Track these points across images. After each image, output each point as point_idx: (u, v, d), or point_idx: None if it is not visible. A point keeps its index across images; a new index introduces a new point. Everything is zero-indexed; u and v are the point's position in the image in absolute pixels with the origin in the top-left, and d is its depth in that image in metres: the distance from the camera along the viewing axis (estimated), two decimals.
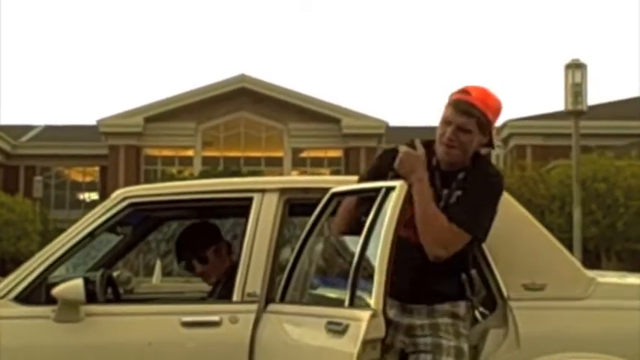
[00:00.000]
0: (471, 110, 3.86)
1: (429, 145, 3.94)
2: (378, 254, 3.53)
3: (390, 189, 3.73)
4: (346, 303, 3.62)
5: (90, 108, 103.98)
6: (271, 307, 4.17)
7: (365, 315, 3.44)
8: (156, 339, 4.18)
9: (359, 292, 3.58)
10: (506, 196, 4.49)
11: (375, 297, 3.47)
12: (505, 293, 4.24)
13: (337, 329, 3.56)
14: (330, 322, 3.62)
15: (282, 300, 4.14)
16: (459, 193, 3.88)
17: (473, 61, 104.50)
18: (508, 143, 43.29)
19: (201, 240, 5.01)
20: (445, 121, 3.89)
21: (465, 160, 3.93)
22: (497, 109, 3.96)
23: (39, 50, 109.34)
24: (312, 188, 4.56)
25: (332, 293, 3.90)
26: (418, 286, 3.88)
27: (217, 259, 4.97)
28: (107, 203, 4.53)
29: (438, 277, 3.87)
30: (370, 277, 3.52)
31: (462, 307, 3.94)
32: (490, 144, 3.97)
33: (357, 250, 3.66)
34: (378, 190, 3.78)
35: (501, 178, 4.03)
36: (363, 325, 3.41)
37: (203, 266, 4.98)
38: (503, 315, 4.20)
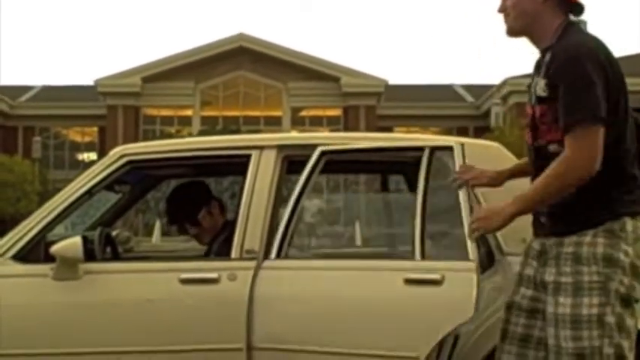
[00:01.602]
0: None
1: None
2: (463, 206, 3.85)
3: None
4: (417, 256, 3.96)
5: (87, 68, 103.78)
6: (270, 263, 4.17)
7: (470, 265, 3.80)
8: (154, 296, 4.19)
9: (431, 245, 3.92)
10: (505, 152, 4.48)
11: (471, 250, 3.81)
12: (504, 248, 4.24)
13: (429, 279, 3.89)
14: (410, 274, 3.91)
15: (279, 256, 4.16)
16: (544, 81, 3.44)
17: (472, 18, 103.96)
18: (507, 101, 43.17)
19: (192, 202, 4.99)
20: None
21: (535, 29, 3.55)
22: None
23: (36, 10, 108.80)
24: (310, 145, 4.54)
25: (379, 247, 4.06)
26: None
27: (209, 220, 4.97)
28: (105, 161, 4.52)
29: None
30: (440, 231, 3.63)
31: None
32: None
33: (418, 207, 4.04)
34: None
35: (585, 48, 3.41)
36: (474, 275, 3.78)
37: (195, 229, 4.98)
38: (503, 270, 4.20)
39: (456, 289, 3.84)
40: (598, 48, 3.43)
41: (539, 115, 3.49)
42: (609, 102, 3.36)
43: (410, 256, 4.06)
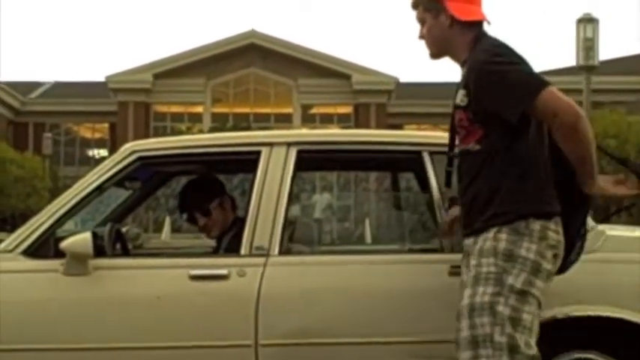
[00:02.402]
0: (414, 3, 3.79)
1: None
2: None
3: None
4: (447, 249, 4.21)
5: (99, 64, 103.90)
6: (278, 259, 4.20)
7: None
8: (164, 292, 4.20)
9: None
10: None
11: None
12: None
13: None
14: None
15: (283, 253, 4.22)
16: (462, 92, 3.62)
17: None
18: None
19: (205, 193, 5.00)
20: None
21: (450, 49, 3.75)
22: None
23: (48, 6, 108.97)
24: (321, 142, 4.56)
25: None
26: None
27: (220, 213, 4.97)
28: (115, 157, 4.52)
29: None
30: None
31: None
32: (459, 21, 3.68)
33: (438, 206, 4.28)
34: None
35: (500, 45, 3.62)
36: None
37: (205, 219, 4.97)
38: None
39: None
40: (507, 50, 3.59)
41: (457, 119, 3.67)
42: None
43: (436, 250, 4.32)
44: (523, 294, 3.46)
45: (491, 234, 3.52)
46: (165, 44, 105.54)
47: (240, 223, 4.46)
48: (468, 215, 3.68)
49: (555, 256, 3.59)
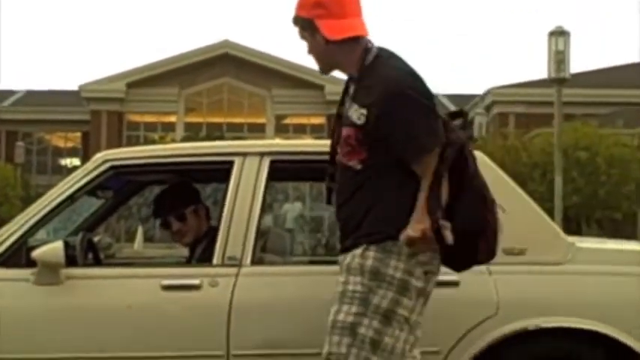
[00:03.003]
0: (294, 21, 3.71)
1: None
2: None
3: None
4: None
5: (72, 73, 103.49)
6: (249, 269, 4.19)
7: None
8: (136, 302, 4.18)
9: None
10: (486, 160, 4.50)
11: None
12: None
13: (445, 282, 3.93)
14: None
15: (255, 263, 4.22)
16: (361, 110, 3.51)
17: (457, 29, 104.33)
18: (491, 111, 43.25)
19: (181, 198, 4.98)
20: None
21: (337, 64, 3.68)
22: (304, 2, 3.65)
23: (20, 15, 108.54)
24: (294, 152, 4.57)
25: None
26: None
27: (195, 220, 4.95)
28: (88, 166, 4.51)
29: None
30: None
31: None
32: (331, 40, 3.59)
33: None
34: None
35: (409, 79, 3.54)
36: None
37: (180, 224, 4.94)
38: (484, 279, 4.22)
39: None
40: (416, 77, 3.55)
41: (345, 135, 3.59)
42: None
43: None
44: (388, 316, 3.43)
45: (359, 251, 3.50)
46: (138, 53, 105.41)
47: (214, 232, 4.45)
48: (342, 233, 3.67)
49: (427, 273, 3.53)
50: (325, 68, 3.76)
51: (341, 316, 3.44)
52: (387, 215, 3.51)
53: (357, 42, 3.63)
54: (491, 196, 3.61)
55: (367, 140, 3.51)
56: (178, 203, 4.95)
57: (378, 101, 3.47)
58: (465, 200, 3.50)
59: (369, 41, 3.66)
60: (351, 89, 3.67)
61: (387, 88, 3.48)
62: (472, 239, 3.51)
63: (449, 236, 3.41)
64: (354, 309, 3.44)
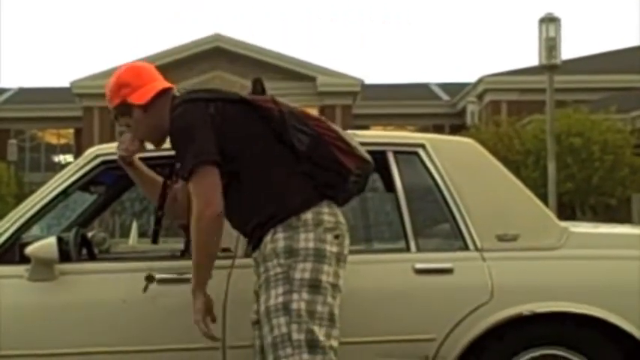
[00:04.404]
0: (115, 117, 4.09)
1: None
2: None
3: None
4: (413, 249, 4.28)
5: (63, 70, 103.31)
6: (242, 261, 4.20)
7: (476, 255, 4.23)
8: (131, 296, 4.18)
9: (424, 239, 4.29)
10: (479, 148, 4.52)
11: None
12: (479, 244, 4.27)
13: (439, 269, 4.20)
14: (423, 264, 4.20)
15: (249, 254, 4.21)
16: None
17: (447, 18, 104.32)
18: (483, 99, 43.26)
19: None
20: None
21: (165, 121, 3.83)
22: (110, 90, 4.10)
23: (10, 12, 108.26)
24: None
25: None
26: None
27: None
28: (80, 161, 4.51)
29: None
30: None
31: None
32: (140, 106, 3.91)
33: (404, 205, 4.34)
34: None
35: (181, 109, 3.74)
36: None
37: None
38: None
39: None
40: (196, 102, 3.72)
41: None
42: (229, 133, 3.66)
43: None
44: (314, 285, 3.52)
45: (269, 237, 3.60)
46: (129, 48, 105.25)
47: None
48: (246, 235, 3.86)
49: (338, 237, 3.64)
50: (159, 140, 3.98)
51: (271, 302, 3.53)
52: (276, 198, 3.63)
53: (167, 95, 3.88)
54: None
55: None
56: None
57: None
58: None
59: (174, 91, 3.94)
60: None
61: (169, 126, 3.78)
62: None
63: None
64: (280, 290, 3.53)
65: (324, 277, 3.54)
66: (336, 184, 3.68)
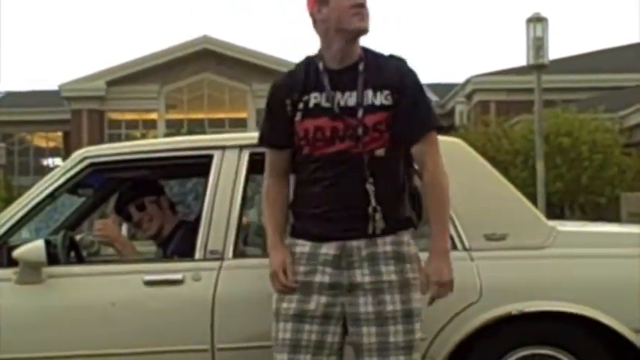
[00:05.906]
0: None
1: (307, 61, 3.65)
2: None
3: None
4: None
5: (51, 73, 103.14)
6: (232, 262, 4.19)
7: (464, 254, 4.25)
8: (119, 299, 4.18)
9: None
10: (466, 148, 4.52)
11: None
12: (467, 244, 4.27)
13: None
14: None
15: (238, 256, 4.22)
16: (387, 91, 3.49)
17: (434, 19, 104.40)
18: (472, 99, 43.26)
19: (139, 190, 5.00)
20: None
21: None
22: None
23: None
24: None
25: None
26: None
27: (157, 211, 4.94)
28: (67, 164, 4.50)
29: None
30: None
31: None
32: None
33: None
34: None
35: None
36: None
37: (140, 214, 4.95)
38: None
39: None
40: None
41: (373, 123, 3.48)
42: None
43: None
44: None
45: (405, 239, 3.57)
46: (117, 51, 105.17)
47: (186, 226, 4.45)
48: (383, 216, 3.51)
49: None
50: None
51: (414, 304, 3.54)
52: (407, 201, 3.64)
53: None
54: None
55: (391, 124, 3.51)
56: (137, 194, 4.95)
57: (404, 77, 3.54)
58: None
59: None
60: (335, 77, 3.55)
61: (404, 65, 3.59)
62: None
63: None
64: (417, 295, 3.56)
65: None
66: None
